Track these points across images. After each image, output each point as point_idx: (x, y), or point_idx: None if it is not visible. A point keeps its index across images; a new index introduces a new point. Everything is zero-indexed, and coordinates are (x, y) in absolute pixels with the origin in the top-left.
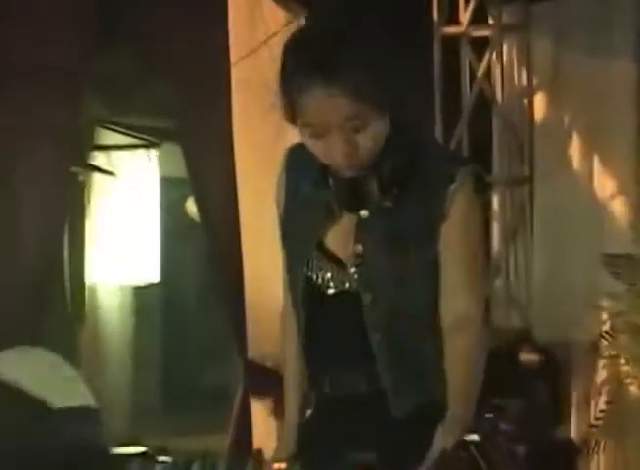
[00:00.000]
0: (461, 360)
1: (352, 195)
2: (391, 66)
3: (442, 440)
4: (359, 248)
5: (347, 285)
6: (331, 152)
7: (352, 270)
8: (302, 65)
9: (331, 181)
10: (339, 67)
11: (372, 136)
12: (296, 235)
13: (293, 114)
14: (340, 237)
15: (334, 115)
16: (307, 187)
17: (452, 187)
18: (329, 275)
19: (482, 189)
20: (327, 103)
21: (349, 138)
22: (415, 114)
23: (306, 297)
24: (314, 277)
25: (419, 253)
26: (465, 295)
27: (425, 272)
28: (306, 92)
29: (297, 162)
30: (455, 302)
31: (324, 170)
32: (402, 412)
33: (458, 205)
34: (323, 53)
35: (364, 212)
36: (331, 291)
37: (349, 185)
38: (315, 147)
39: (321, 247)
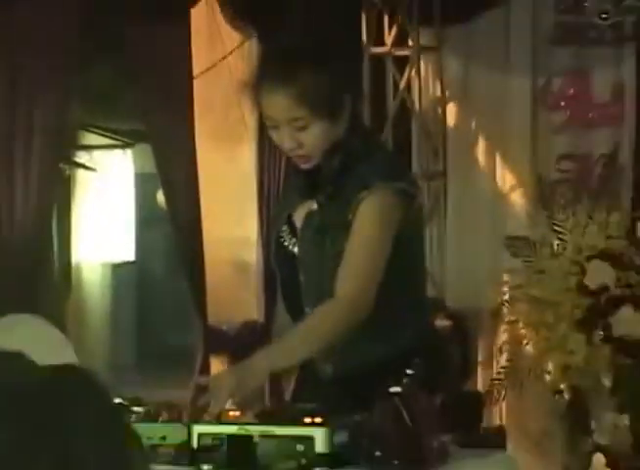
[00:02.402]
0: (312, 315)
1: (305, 185)
2: (332, 85)
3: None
4: (298, 230)
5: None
6: (282, 143)
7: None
8: (264, 72)
9: (293, 169)
10: (288, 77)
11: (313, 137)
12: (278, 213)
13: (259, 109)
14: (300, 216)
15: (281, 113)
16: (293, 177)
17: (360, 195)
18: (291, 242)
19: (401, 197)
20: (277, 102)
21: (293, 134)
22: (361, 123)
23: (278, 257)
24: (284, 243)
25: (335, 243)
26: (349, 279)
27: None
28: (264, 92)
29: (292, 174)
30: (341, 281)
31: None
32: (325, 373)
33: (362, 210)
34: (279, 65)
35: (314, 205)
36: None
37: (303, 176)
38: (273, 137)
39: (290, 220)
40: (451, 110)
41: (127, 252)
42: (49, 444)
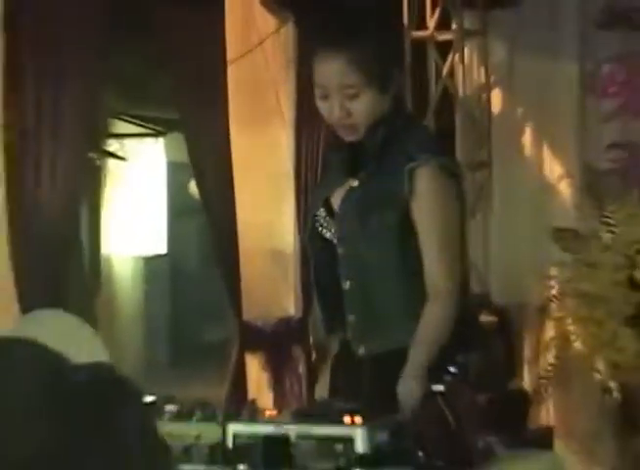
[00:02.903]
0: (427, 325)
1: (346, 161)
2: (383, 54)
3: (403, 384)
4: (337, 208)
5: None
6: (330, 112)
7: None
8: (320, 39)
9: (336, 147)
10: (344, 45)
11: (363, 106)
12: (315, 195)
13: (312, 79)
14: (338, 197)
15: (334, 79)
16: (330, 156)
17: (409, 166)
18: (327, 226)
19: (448, 174)
20: (330, 68)
21: (343, 103)
22: (403, 101)
23: (314, 247)
24: (319, 229)
25: (383, 220)
26: (436, 268)
27: (393, 235)
28: (318, 58)
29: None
30: (430, 273)
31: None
32: (365, 354)
33: (420, 181)
34: (334, 30)
35: (355, 182)
36: (332, 238)
37: (345, 152)
38: (322, 107)
39: (327, 202)
40: (496, 97)
41: (159, 244)
42: (97, 445)
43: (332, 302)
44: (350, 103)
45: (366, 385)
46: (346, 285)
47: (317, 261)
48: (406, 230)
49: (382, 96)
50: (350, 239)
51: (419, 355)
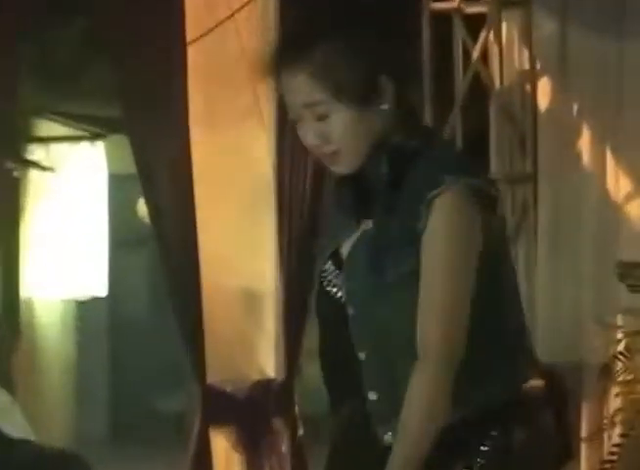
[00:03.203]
0: (410, 404)
1: (351, 202)
2: (352, 56)
3: None
4: (347, 263)
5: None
6: (305, 140)
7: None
8: (281, 48)
9: (339, 184)
10: (302, 51)
11: (339, 126)
12: (320, 247)
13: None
14: (348, 246)
15: (298, 97)
16: (334, 204)
17: (431, 194)
18: (337, 286)
19: (477, 202)
20: (293, 84)
21: (315, 126)
22: (412, 114)
23: (321, 310)
24: (327, 287)
25: (400, 266)
26: (429, 319)
27: (412, 287)
28: (282, 74)
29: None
30: (421, 330)
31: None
32: (382, 441)
33: (437, 213)
34: (293, 37)
35: (369, 223)
36: (340, 297)
37: (347, 191)
38: (299, 133)
39: (336, 255)
40: (544, 87)
41: (97, 283)
42: None
43: (343, 377)
44: (321, 125)
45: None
46: (362, 356)
47: (325, 327)
48: None
49: (364, 112)
50: (362, 296)
51: (400, 451)
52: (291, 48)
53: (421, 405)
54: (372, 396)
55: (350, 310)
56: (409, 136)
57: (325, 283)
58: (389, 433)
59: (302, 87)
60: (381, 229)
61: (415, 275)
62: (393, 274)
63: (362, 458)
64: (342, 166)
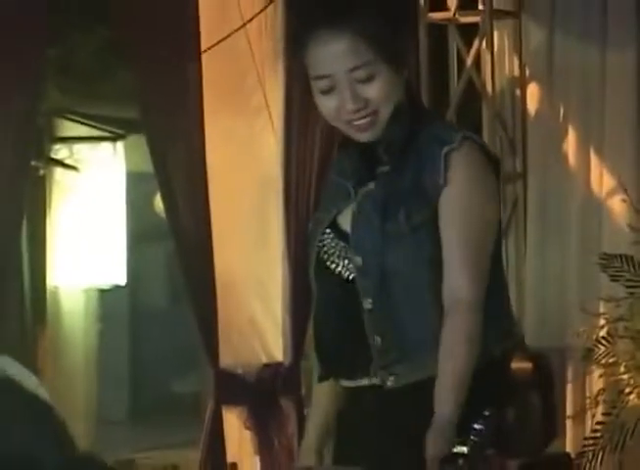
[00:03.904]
0: (447, 347)
1: (363, 165)
2: (393, 22)
3: (432, 447)
4: (355, 213)
5: (347, 260)
6: (340, 107)
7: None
8: (314, 19)
9: (345, 153)
10: (345, 18)
11: (382, 89)
12: (316, 220)
13: (307, 73)
14: (348, 214)
15: (340, 63)
16: (336, 176)
17: (446, 149)
18: (337, 252)
19: (488, 159)
20: (332, 51)
21: (356, 90)
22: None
23: (319, 281)
24: (324, 257)
25: (413, 217)
26: (457, 272)
27: (424, 238)
28: (314, 43)
29: (336, 158)
30: (449, 280)
31: (344, 145)
32: (395, 385)
33: (456, 167)
34: (331, 7)
35: (371, 185)
36: (337, 269)
37: (361, 154)
38: (325, 105)
39: (335, 227)
40: (533, 92)
41: (117, 273)
42: None
43: (337, 339)
44: (365, 88)
45: (389, 428)
46: (368, 304)
47: (323, 298)
48: (437, 232)
49: (398, 77)
50: (372, 244)
51: (449, 393)
52: (331, 13)
53: (458, 346)
54: (377, 340)
55: (358, 261)
56: (416, 106)
57: (322, 253)
58: (392, 377)
59: (349, 50)
60: (390, 185)
61: (425, 226)
62: (405, 224)
63: (365, 403)
64: (372, 132)
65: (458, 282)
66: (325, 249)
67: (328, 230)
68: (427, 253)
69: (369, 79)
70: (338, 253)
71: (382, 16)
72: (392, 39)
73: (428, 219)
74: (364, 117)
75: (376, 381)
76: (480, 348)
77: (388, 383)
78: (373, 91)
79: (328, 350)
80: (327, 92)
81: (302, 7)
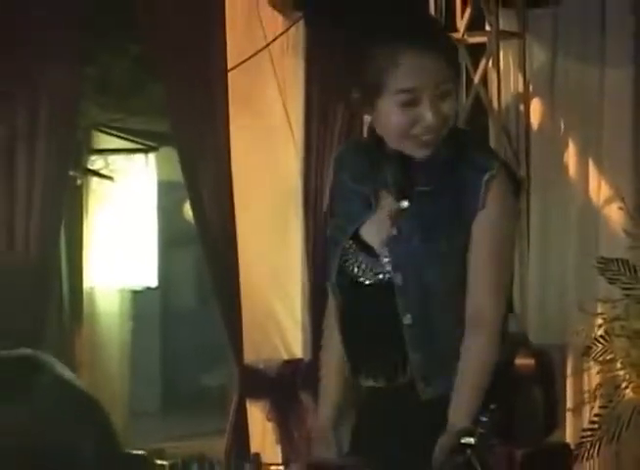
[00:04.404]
0: (472, 363)
1: (405, 180)
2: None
3: (440, 450)
4: (394, 231)
5: (380, 276)
6: (420, 120)
7: (385, 258)
8: (403, 28)
9: (386, 166)
10: (433, 37)
11: (453, 105)
12: (337, 227)
13: (380, 85)
14: (375, 227)
15: (428, 78)
16: (352, 183)
17: (487, 176)
18: (363, 265)
19: (515, 184)
20: (424, 65)
21: (437, 105)
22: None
23: (342, 286)
24: (350, 267)
25: (452, 238)
26: (484, 292)
27: (460, 258)
28: (406, 57)
29: (346, 161)
30: (475, 297)
31: (379, 156)
32: (431, 396)
33: (494, 193)
34: (421, 28)
35: (404, 203)
36: (366, 281)
37: (403, 168)
38: (403, 118)
39: (357, 238)
40: (536, 107)
41: (149, 276)
42: None
43: (370, 345)
44: (443, 103)
45: (425, 434)
46: (407, 319)
47: (348, 304)
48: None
49: (456, 91)
50: (411, 266)
51: (466, 404)
52: (430, 33)
53: (484, 362)
54: (416, 354)
55: (398, 279)
56: (458, 126)
57: (346, 263)
58: (430, 389)
59: (438, 66)
60: (430, 206)
61: (463, 248)
62: (446, 245)
63: (401, 414)
64: (429, 149)
65: (484, 301)
66: (350, 259)
67: (350, 241)
68: (459, 271)
69: (447, 95)
70: (364, 266)
71: (449, 38)
72: (456, 60)
73: (465, 243)
74: (432, 133)
75: (405, 388)
76: (496, 363)
77: (425, 394)
78: (448, 107)
79: (359, 353)
80: (408, 105)
81: (402, 30)
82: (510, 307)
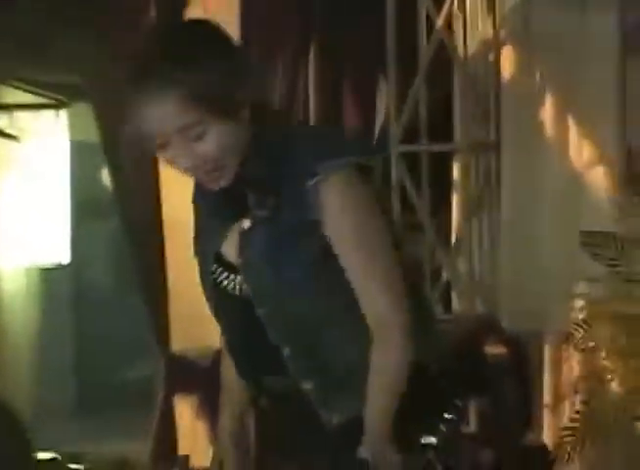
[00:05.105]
0: (380, 376)
1: (226, 206)
2: (228, 76)
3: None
4: (239, 261)
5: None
6: (177, 164)
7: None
8: (137, 74)
9: (204, 196)
10: (168, 74)
11: (215, 143)
12: (202, 249)
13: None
14: (231, 245)
15: (166, 123)
16: (205, 216)
17: (311, 183)
18: (232, 284)
19: (362, 178)
20: (158, 112)
21: (189, 148)
22: (278, 113)
23: (219, 305)
24: (224, 284)
25: (301, 260)
26: (375, 298)
27: (320, 277)
28: (139, 101)
29: (197, 196)
30: (368, 306)
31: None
32: (338, 420)
33: (330, 198)
34: (153, 61)
35: (246, 223)
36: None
37: (223, 197)
38: (164, 159)
39: (219, 257)
40: (507, 56)
41: (60, 251)
42: None
43: (259, 364)
44: (198, 145)
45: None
46: (286, 351)
47: (229, 322)
48: (333, 263)
49: (235, 122)
50: (270, 296)
51: (378, 420)
52: (155, 77)
53: (393, 374)
54: (307, 384)
55: (262, 311)
56: (271, 131)
57: (217, 281)
58: (336, 415)
59: (174, 112)
60: (271, 230)
61: (318, 263)
62: (295, 270)
63: (309, 440)
64: (224, 181)
65: (379, 308)
66: (221, 282)
67: (215, 265)
68: (328, 289)
69: (201, 136)
70: (228, 280)
71: (213, 70)
72: (224, 93)
73: (320, 257)
74: (207, 172)
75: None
76: (408, 369)
77: (334, 420)
78: (207, 146)
79: (253, 378)
80: (160, 148)
81: (136, 71)
82: (418, 293)
